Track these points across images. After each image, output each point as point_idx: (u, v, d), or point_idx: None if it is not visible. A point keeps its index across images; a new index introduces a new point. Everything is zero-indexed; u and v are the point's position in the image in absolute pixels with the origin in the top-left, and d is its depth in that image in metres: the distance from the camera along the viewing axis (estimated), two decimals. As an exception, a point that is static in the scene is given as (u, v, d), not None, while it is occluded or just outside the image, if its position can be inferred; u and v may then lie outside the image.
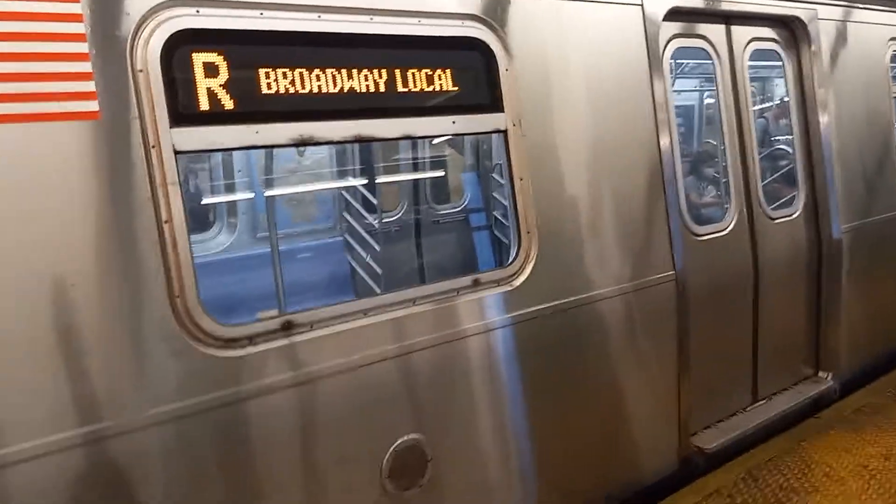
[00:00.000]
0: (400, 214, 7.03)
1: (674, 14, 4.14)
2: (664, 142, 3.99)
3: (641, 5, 3.94)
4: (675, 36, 4.29)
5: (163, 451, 2.48)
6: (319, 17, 2.85)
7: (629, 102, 3.88)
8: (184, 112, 2.53)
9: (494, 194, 7.13)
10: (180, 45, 2.53)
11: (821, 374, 5.25)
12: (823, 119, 4.99)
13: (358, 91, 2.93)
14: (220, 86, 2.61)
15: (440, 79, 3.16)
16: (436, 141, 6.62)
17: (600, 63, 3.75)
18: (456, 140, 6.94)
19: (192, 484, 2.56)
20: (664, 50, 4.15)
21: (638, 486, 4.01)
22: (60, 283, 2.29)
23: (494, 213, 7.18)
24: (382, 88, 2.99)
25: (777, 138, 7.17)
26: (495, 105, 3.33)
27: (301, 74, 2.79)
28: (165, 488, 2.49)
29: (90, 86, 2.34)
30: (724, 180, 4.78)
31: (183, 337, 2.49)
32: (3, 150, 2.21)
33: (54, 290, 2.28)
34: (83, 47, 2.33)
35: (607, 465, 3.88)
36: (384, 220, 6.67)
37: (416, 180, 7.04)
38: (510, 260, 3.42)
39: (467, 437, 3.28)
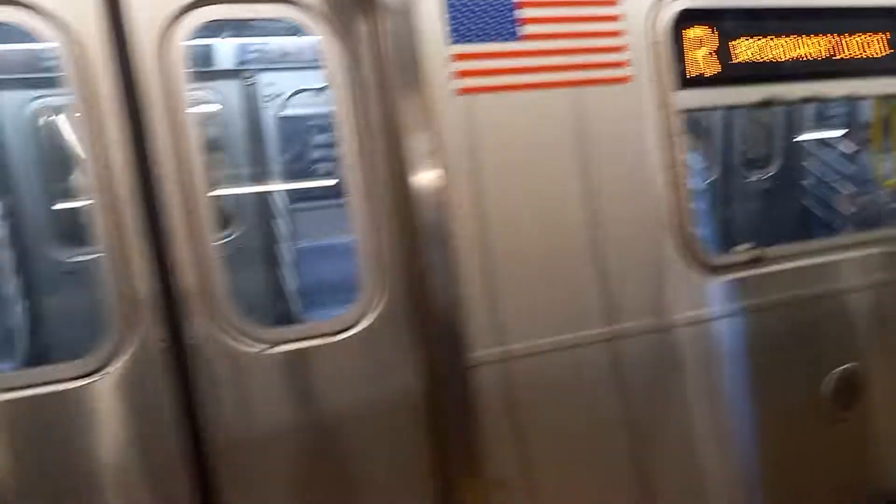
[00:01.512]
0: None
1: None
2: None
3: None
4: None
5: (650, 355, 3.04)
6: None
7: None
8: (684, 77, 3.06)
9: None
10: (682, 22, 3.06)
11: None
12: None
13: (810, 56, 3.28)
14: (709, 54, 3.11)
15: (879, 42, 3.40)
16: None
17: None
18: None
19: (666, 383, 3.09)
20: None
21: None
22: (600, 213, 2.93)
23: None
24: (830, 53, 3.31)
25: None
26: None
27: (767, 44, 3.20)
28: (647, 385, 3.05)
29: (625, 56, 2.95)
30: None
31: (685, 263, 3.04)
32: (573, 110, 2.88)
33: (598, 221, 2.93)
34: (620, 25, 2.95)
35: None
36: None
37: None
38: None
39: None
